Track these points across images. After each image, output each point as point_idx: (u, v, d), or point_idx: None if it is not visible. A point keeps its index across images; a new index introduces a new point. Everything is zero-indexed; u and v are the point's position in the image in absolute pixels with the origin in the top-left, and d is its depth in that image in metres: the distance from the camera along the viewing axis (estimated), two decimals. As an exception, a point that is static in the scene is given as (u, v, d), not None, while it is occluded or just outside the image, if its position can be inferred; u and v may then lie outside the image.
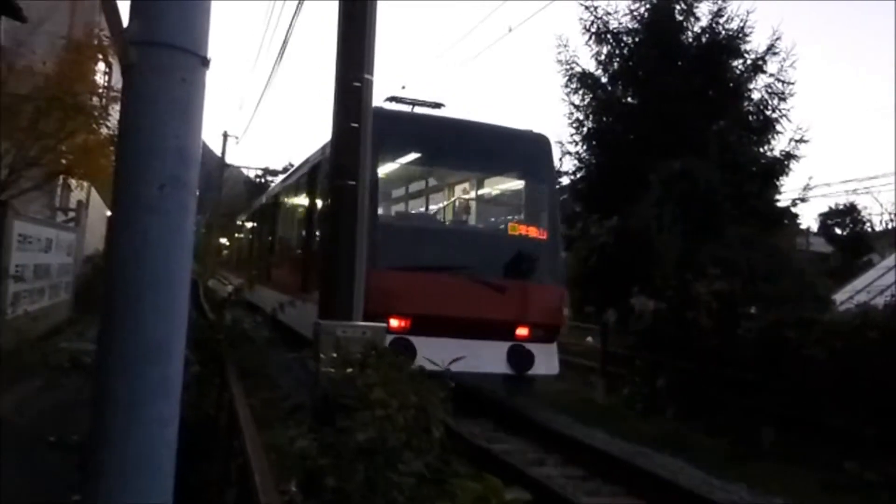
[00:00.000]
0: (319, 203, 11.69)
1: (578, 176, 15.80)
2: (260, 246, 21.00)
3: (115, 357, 1.29)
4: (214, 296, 18.56)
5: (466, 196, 11.76)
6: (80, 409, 7.92)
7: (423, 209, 12.10)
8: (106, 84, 15.04)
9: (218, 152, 40.41)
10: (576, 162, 15.52)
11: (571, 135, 15.26)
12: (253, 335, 6.31)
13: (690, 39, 14.69)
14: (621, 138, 14.35)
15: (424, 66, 68.74)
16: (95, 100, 13.56)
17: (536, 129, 11.03)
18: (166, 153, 1.32)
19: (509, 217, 11.26)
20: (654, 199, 12.72)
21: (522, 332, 9.87)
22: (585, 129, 15.16)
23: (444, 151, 10.53)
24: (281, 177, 26.08)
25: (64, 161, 13.47)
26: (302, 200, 14.13)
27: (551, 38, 21.89)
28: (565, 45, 15.32)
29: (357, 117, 6.17)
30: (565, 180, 17.34)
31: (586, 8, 15.00)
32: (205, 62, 1.40)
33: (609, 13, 15.03)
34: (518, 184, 11.63)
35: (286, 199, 16.87)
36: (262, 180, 57.33)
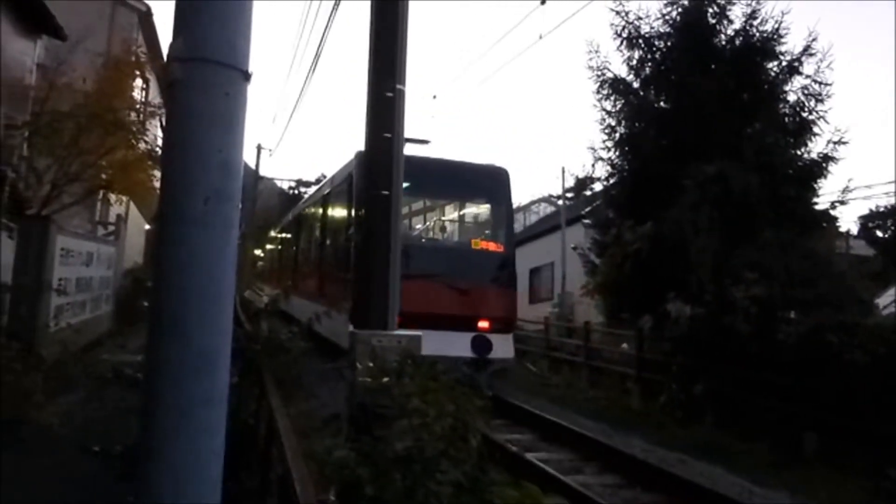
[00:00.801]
0: (347, 214, 13.67)
1: (611, 182, 15.69)
2: (293, 257, 22.19)
3: (163, 367, 1.33)
4: (251, 306, 18.78)
5: (441, 218, 14.61)
6: (122, 420, 8.07)
7: (407, 229, 13.87)
8: (143, 100, 15.32)
9: (252, 165, 40.86)
10: (608, 168, 15.43)
11: (604, 141, 15.18)
12: (289, 346, 6.35)
13: (724, 42, 14.51)
14: (654, 143, 14.20)
15: (455, 75, 68.92)
16: (133, 115, 13.79)
17: (498, 164, 13.67)
18: (211, 167, 1.36)
19: (474, 234, 13.90)
20: (689, 203, 12.57)
21: (483, 324, 12.02)
22: (618, 135, 15.04)
23: (424, 184, 12.63)
24: (313, 188, 26.81)
25: (104, 176, 13.74)
26: (333, 212, 15.68)
27: (583, 45, 21.80)
28: (596, 51, 15.27)
29: (390, 127, 6.21)
30: (598, 186, 17.27)
31: (617, 13, 14.92)
32: (247, 76, 1.43)
33: (640, 18, 14.93)
34: (482, 208, 14.32)
35: (317, 211, 18.03)
36: (296, 192, 57.94)
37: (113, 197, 17.52)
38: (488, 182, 13.35)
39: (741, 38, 14.36)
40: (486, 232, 13.83)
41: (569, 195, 29.16)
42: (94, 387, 10.43)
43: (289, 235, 24.02)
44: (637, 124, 14.82)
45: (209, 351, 1.35)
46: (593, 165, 15.69)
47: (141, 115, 14.31)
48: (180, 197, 1.37)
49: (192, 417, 1.32)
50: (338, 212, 14.71)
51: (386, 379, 5.23)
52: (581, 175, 24.58)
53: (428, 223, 14.64)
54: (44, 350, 10.69)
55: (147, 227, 26.57)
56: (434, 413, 4.55)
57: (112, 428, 8.25)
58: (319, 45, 20.29)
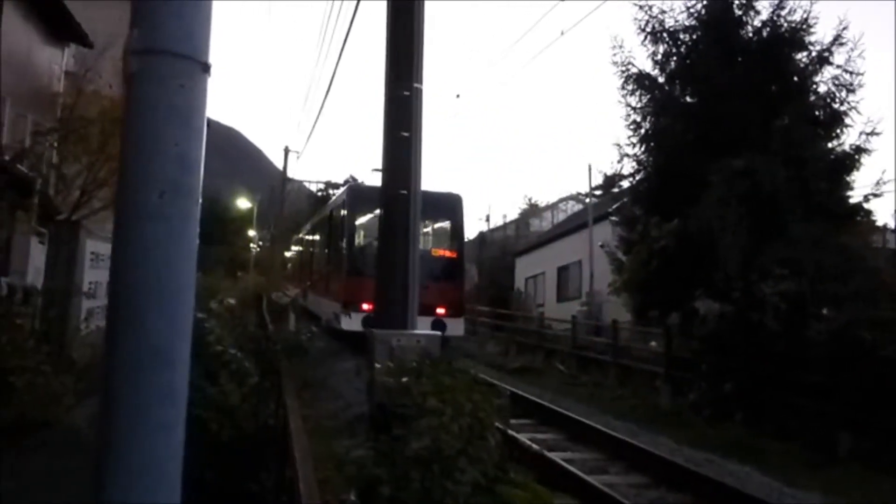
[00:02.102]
0: (340, 230, 18.12)
1: (637, 178, 15.51)
2: (310, 260, 25.97)
3: (120, 363, 1.32)
4: (276, 307, 18.92)
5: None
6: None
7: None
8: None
9: (279, 167, 41.26)
10: (634, 164, 15.24)
11: (629, 137, 14.99)
12: (307, 346, 6.36)
13: (751, 34, 14.25)
14: (680, 138, 13.98)
15: (478, 74, 68.81)
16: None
17: (454, 191, 18.48)
18: (166, 160, 1.34)
19: (434, 245, 17.74)
20: (716, 199, 12.38)
21: (441, 311, 15.87)
22: (643, 131, 14.86)
23: None
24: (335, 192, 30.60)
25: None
26: (332, 229, 19.93)
27: (606, 41, 21.62)
28: (620, 47, 15.08)
29: (407, 126, 6.20)
30: (625, 183, 17.09)
31: (640, 7, 14.73)
32: (205, 68, 1.41)
33: (664, 11, 14.72)
34: (442, 224, 18.10)
35: (323, 226, 22.29)
36: (324, 193, 58.23)
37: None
38: (446, 205, 17.66)
39: (768, 29, 14.10)
40: (444, 243, 17.94)
41: (597, 193, 28.99)
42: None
43: (308, 242, 27.54)
44: (662, 119, 14.62)
45: (166, 347, 1.33)
46: (620, 162, 15.53)
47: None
48: (135, 191, 1.35)
49: (149, 415, 1.31)
50: (335, 228, 19.14)
51: (405, 378, 5.21)
52: (609, 172, 24.46)
53: None
54: (74, 353, 10.85)
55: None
56: (451, 412, 4.52)
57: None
58: (342, 47, 20.38)
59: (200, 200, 1.44)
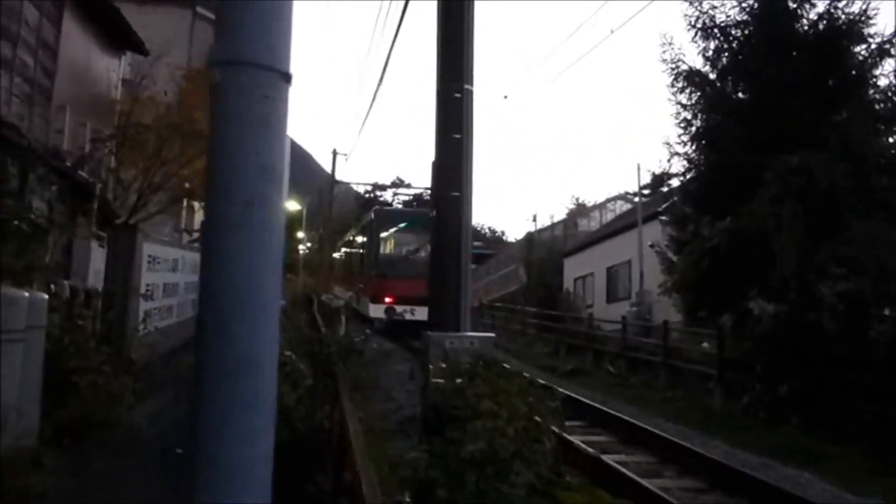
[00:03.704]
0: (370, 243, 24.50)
1: (688, 177, 15.28)
2: (352, 264, 30.36)
3: (210, 369, 1.35)
4: (327, 309, 19.12)
5: (422, 243, 22.06)
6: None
7: (400, 250, 23.97)
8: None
9: (328, 169, 41.71)
10: (685, 163, 15.01)
11: (679, 135, 14.77)
12: (361, 347, 6.41)
13: (806, 28, 13.92)
14: (732, 136, 13.72)
15: (525, 74, 68.50)
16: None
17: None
18: (250, 170, 1.37)
19: None
20: (770, 196, 12.11)
21: None
22: (694, 129, 14.63)
23: (411, 225, 23.46)
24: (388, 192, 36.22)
25: (186, 185, 14.22)
26: (365, 241, 25.80)
27: (654, 39, 21.30)
28: (670, 44, 14.89)
29: (459, 128, 6.20)
30: (674, 182, 16.86)
31: (691, 3, 14.51)
32: (287, 78, 1.44)
33: (715, 6, 14.47)
34: None
35: (359, 238, 28.04)
36: (372, 195, 58.66)
37: (197, 204, 18.14)
38: None
39: (825, 22, 13.74)
40: None
41: (645, 192, 28.71)
42: (181, 389, 10.85)
43: (350, 248, 32.43)
44: (714, 117, 14.38)
45: (253, 354, 1.36)
46: (669, 161, 15.32)
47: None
48: (221, 201, 1.38)
49: (239, 420, 1.34)
50: (366, 240, 25.11)
51: (458, 380, 5.22)
52: (657, 171, 24.16)
53: (413, 248, 23.56)
54: (133, 353, 11.12)
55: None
56: (506, 415, 4.51)
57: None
58: (391, 48, 20.52)
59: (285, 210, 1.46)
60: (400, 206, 55.82)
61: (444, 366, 5.53)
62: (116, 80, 12.35)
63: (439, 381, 5.42)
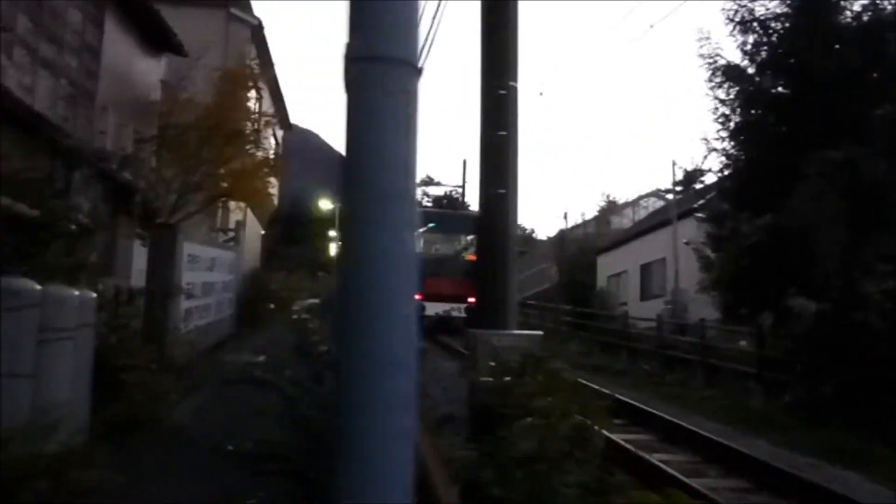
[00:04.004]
0: None
1: (725, 173, 15.10)
2: None
3: (352, 369, 1.35)
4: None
5: (449, 242, 26.09)
6: (249, 419, 8.40)
7: (429, 249, 25.19)
8: (258, 111, 15.91)
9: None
10: (723, 159, 14.82)
11: (718, 130, 14.59)
12: (420, 346, 6.39)
13: (849, 19, 13.66)
14: (772, 131, 13.53)
15: (555, 72, 68.12)
16: (250, 126, 14.35)
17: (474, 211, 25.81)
18: (385, 166, 1.37)
19: (463, 251, 25.38)
20: (812, 193, 11.92)
21: (471, 299, 18.09)
22: (732, 124, 14.44)
23: (438, 225, 25.18)
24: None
25: (224, 185, 14.37)
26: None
27: (688, 35, 21.06)
28: (707, 38, 14.72)
29: (504, 125, 6.19)
30: (708, 179, 16.69)
31: (728, -4, 14.32)
32: (419, 72, 1.44)
33: (754, -1, 14.29)
34: (473, 236, 22.23)
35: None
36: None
37: (232, 204, 18.32)
38: (475, 222, 23.99)
39: (870, 13, 13.47)
40: (473, 248, 22.54)
41: (678, 189, 28.41)
42: (223, 388, 10.97)
43: None
44: (753, 112, 14.18)
45: (394, 353, 1.36)
46: (705, 157, 15.17)
47: (256, 125, 14.86)
48: (358, 197, 1.38)
49: (383, 420, 1.34)
50: None
51: (507, 378, 5.21)
52: (690, 168, 23.96)
53: (440, 245, 26.05)
54: (175, 351, 11.27)
55: (262, 231, 27.63)
56: (559, 413, 4.50)
57: (239, 427, 8.65)
58: (424, 46, 20.60)
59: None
60: (429, 204, 56.35)
61: (492, 364, 5.52)
62: (156, 82, 12.51)
63: (487, 379, 5.41)
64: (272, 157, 17.27)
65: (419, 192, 44.28)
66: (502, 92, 6.23)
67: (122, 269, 10.72)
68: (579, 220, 38.79)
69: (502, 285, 5.98)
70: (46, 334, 6.77)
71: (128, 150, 10.95)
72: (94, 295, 7.91)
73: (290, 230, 37.99)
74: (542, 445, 4.52)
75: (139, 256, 11.42)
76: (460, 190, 52.30)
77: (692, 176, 26.08)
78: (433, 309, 21.43)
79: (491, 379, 5.41)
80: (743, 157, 14.29)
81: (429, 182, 60.70)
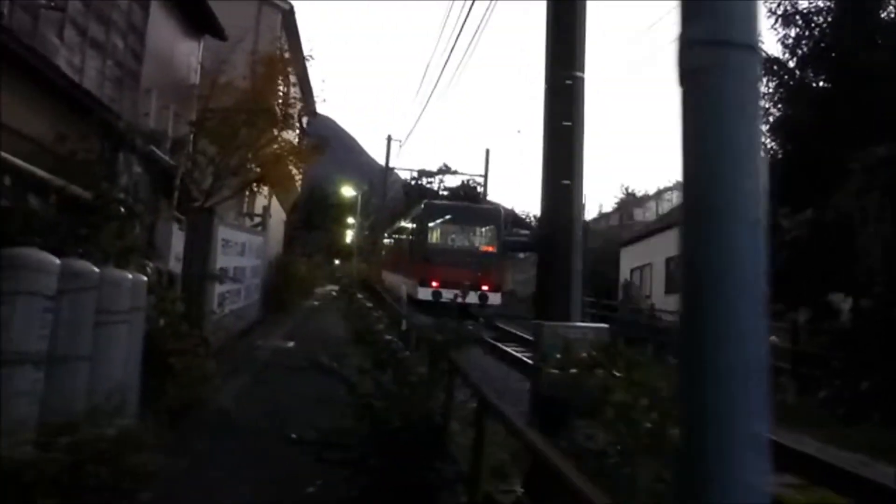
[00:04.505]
0: (419, 234, 27.15)
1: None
2: (398, 251, 33.15)
3: (705, 375, 1.28)
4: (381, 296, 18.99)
5: (465, 233, 26.53)
6: (293, 404, 8.40)
7: (447, 240, 26.46)
8: (293, 96, 15.82)
9: (381, 157, 41.84)
10: (761, 153, 14.68)
11: (759, 123, 14.43)
12: (478, 336, 6.35)
13: (893, 14, 13.50)
14: (813, 126, 13.38)
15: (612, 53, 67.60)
16: (283, 111, 14.29)
17: (495, 204, 34.44)
18: (725, 157, 1.30)
19: (482, 243, 26.26)
20: (856, 188, 11.79)
21: (484, 288, 23.95)
22: (772, 118, 14.30)
23: (457, 217, 26.63)
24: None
25: (257, 169, 14.34)
26: (413, 232, 28.53)
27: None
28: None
29: (569, 115, 6.10)
30: None
31: (772, -11, 14.16)
32: (759, 57, 1.36)
33: (799, -8, 14.13)
34: (487, 228, 26.43)
35: (408, 229, 30.64)
36: (418, 182, 58.62)
37: (258, 189, 18.26)
38: (491, 215, 27.39)
39: (914, 8, 13.30)
40: (489, 242, 26.09)
41: None
42: (262, 372, 10.97)
43: (400, 237, 34.81)
44: (794, 106, 14.02)
45: (747, 360, 1.29)
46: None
47: (292, 111, 14.80)
48: (702, 190, 1.31)
49: (737, 427, 1.27)
50: (416, 230, 27.32)
51: (579, 370, 5.15)
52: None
53: (458, 237, 26.50)
54: (211, 336, 11.27)
55: (284, 217, 27.62)
56: (643, 406, 4.43)
57: (284, 411, 8.66)
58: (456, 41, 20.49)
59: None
60: (446, 194, 56.28)
61: (559, 356, 5.46)
62: (196, 65, 12.47)
63: (554, 371, 5.36)
64: (304, 142, 17.21)
65: (436, 180, 43.75)
66: (569, 82, 6.14)
67: (161, 252, 10.70)
68: (596, 213, 38.70)
69: (567, 276, 5.91)
70: (103, 316, 6.78)
71: (169, 133, 10.92)
72: (145, 278, 7.92)
73: (309, 216, 38.02)
74: (622, 439, 4.47)
75: (178, 241, 11.41)
76: (478, 179, 52.20)
77: None
78: (449, 296, 21.81)
79: (557, 371, 5.36)
80: (782, 152, 14.13)
81: (445, 171, 60.54)
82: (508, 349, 15.90)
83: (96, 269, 6.64)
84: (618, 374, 4.73)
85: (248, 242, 15.92)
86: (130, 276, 7.36)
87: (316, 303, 27.03)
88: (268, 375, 11.32)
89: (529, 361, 14.86)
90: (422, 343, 7.51)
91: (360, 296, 14.02)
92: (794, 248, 12.76)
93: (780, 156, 14.25)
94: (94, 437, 5.92)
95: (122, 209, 7.96)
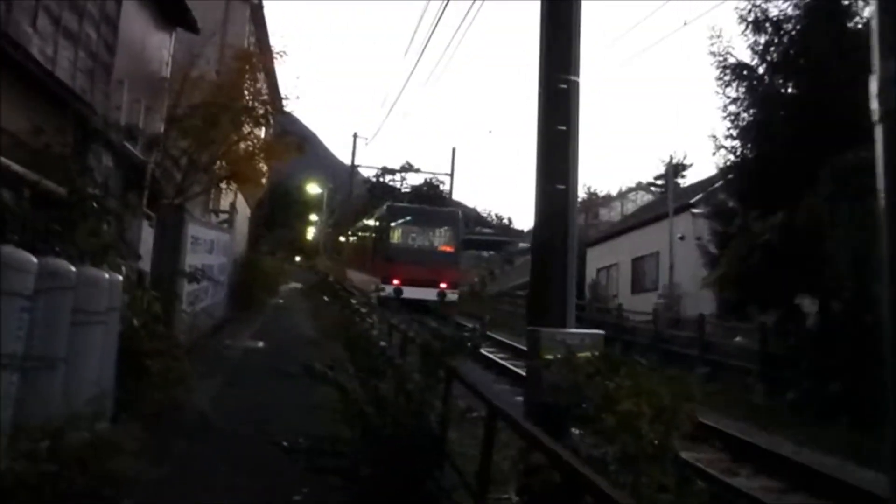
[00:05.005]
0: (381, 233, 29.64)
1: (733, 171, 15.13)
2: (361, 250, 34.60)
3: None
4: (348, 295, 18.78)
5: (425, 234, 28.55)
6: (267, 407, 8.23)
7: (407, 240, 28.27)
8: (265, 92, 15.54)
9: (341, 154, 41.52)
10: (731, 157, 14.86)
11: (728, 128, 14.61)
12: (478, 342, 6.26)
13: (860, 24, 13.72)
14: (784, 130, 13.55)
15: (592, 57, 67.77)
16: (258, 107, 14.03)
17: (453, 208, 34.99)
18: None
19: (440, 243, 28.22)
20: (826, 194, 11.99)
21: (443, 285, 25.95)
22: (742, 122, 14.46)
23: (417, 219, 28.81)
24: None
25: (228, 166, 14.06)
26: (376, 231, 30.83)
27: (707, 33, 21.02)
28: (719, 36, 14.72)
29: (565, 120, 6.06)
30: (690, 173, 16.72)
31: (744, -4, 14.30)
32: None
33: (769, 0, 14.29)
34: (446, 229, 28.62)
35: (372, 227, 32.75)
36: (380, 179, 58.39)
37: (225, 186, 17.93)
38: (448, 216, 29.92)
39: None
40: (446, 241, 28.24)
41: (659, 182, 28.28)
42: (233, 373, 10.73)
43: (363, 236, 36.58)
44: (763, 111, 14.21)
45: None
46: (714, 154, 15.19)
47: (265, 108, 14.54)
48: None
49: None
50: (379, 231, 29.75)
51: (580, 377, 5.11)
52: (674, 162, 23.98)
53: (418, 237, 28.41)
54: (182, 336, 11.01)
55: (248, 214, 27.23)
56: (649, 415, 4.41)
57: (261, 414, 8.50)
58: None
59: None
60: (408, 192, 56.84)
61: (550, 358, 5.40)
62: (168, 58, 12.14)
63: (554, 377, 5.31)
64: (286, 140, 16.93)
65: (397, 178, 43.90)
66: (563, 86, 6.09)
67: (133, 250, 10.41)
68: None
69: (562, 282, 5.86)
70: (79, 317, 6.55)
71: (151, 128, 10.64)
72: (121, 277, 7.68)
73: (272, 213, 37.57)
74: (631, 447, 4.45)
75: (148, 238, 11.11)
76: (440, 177, 52.17)
77: (676, 170, 25.91)
78: (410, 293, 24.16)
79: (556, 377, 5.31)
80: (753, 156, 14.32)
81: (408, 168, 60.47)
82: (488, 353, 15.96)
83: (73, 269, 6.41)
84: (617, 382, 4.69)
85: (216, 240, 15.61)
86: (107, 275, 7.13)
87: (281, 300, 26.67)
88: (242, 377, 11.12)
89: (509, 366, 15.03)
90: (408, 347, 7.43)
91: (353, 301, 13.69)
92: (765, 251, 12.93)
93: (749, 159, 14.41)
94: (73, 442, 5.72)
95: (96, 205, 7.71)
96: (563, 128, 6.07)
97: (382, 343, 6.01)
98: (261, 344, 14.84)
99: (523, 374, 11.47)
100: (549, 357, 5.35)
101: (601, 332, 5.79)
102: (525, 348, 10.76)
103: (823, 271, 11.97)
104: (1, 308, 5.39)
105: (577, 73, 6.19)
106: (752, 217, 13.48)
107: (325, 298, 18.85)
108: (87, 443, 5.85)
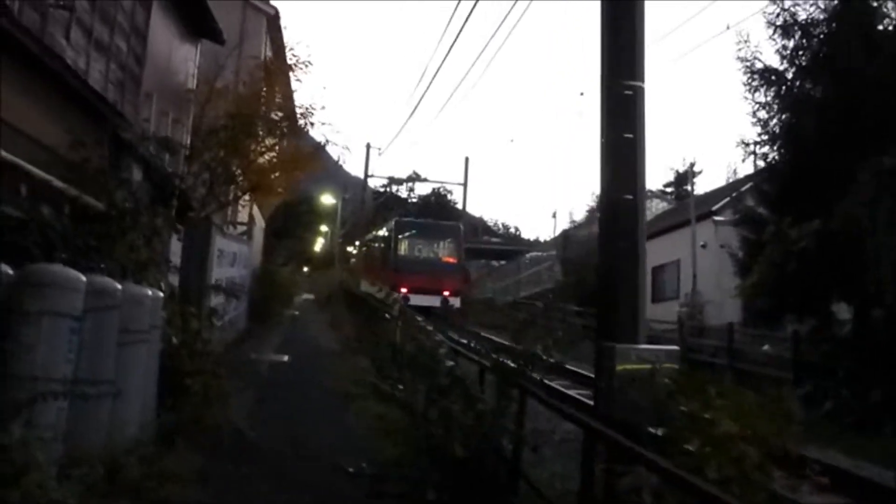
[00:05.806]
0: (389, 247, 31.41)
1: (763, 177, 14.91)
2: (372, 260, 36.14)
3: None
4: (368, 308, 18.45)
5: (429, 246, 30.32)
6: (307, 427, 7.97)
7: (413, 252, 30.06)
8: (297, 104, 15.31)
9: (353, 167, 41.53)
10: (760, 163, 14.65)
11: (759, 134, 14.41)
12: (558, 360, 5.99)
13: (891, 27, 13.53)
14: (815, 135, 13.32)
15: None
16: (281, 118, 13.83)
17: (454, 222, 35.88)
18: None
19: (444, 254, 30.16)
20: (866, 198, 11.74)
21: (446, 293, 27.77)
22: (772, 128, 14.25)
23: (422, 232, 31.20)
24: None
25: (252, 178, 13.86)
26: (386, 244, 32.37)
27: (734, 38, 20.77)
28: (746, 42, 14.53)
29: (631, 128, 5.83)
30: (701, 182, 16.53)
31: (772, 0, 14.13)
32: None
33: (798, 3, 14.10)
34: (448, 241, 30.70)
35: (380, 239, 34.61)
36: (388, 189, 58.25)
37: (245, 197, 17.73)
38: (451, 230, 32.25)
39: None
40: (449, 252, 30.20)
41: (668, 190, 28.01)
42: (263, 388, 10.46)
43: (371, 245, 38.23)
44: (794, 115, 13.99)
45: None
46: (743, 160, 14.98)
47: (290, 119, 14.35)
48: None
49: None
50: (387, 242, 31.29)
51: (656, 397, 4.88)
52: (680, 169, 23.68)
53: (424, 248, 30.22)
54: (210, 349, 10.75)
55: (263, 225, 27.05)
56: (751, 438, 4.17)
57: (301, 434, 8.25)
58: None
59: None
60: (415, 200, 57.74)
61: (631, 375, 5.17)
62: (193, 70, 11.96)
63: (633, 395, 5.07)
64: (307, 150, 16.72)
65: (404, 188, 44.40)
66: (628, 93, 5.87)
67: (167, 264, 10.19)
68: (567, 220, 39.03)
69: (633, 297, 5.62)
70: (124, 337, 6.31)
71: (169, 137, 10.43)
72: (162, 294, 7.47)
73: (283, 223, 37.41)
74: (725, 473, 4.20)
75: (177, 251, 10.90)
76: (448, 187, 52.04)
77: (683, 178, 25.70)
78: (416, 300, 24.84)
79: (634, 395, 5.07)
80: (785, 162, 14.09)
81: (415, 178, 60.32)
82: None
83: (119, 286, 6.19)
84: (703, 401, 4.44)
85: (238, 252, 15.41)
86: (150, 291, 6.91)
87: (296, 312, 26.45)
88: (274, 393, 10.89)
89: (562, 390, 14.32)
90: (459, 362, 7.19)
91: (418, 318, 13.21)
92: (802, 259, 12.67)
93: (781, 165, 14.18)
94: (128, 471, 5.50)
95: (133, 220, 7.51)
96: (630, 135, 5.84)
97: (450, 363, 5.76)
98: (286, 358, 14.60)
99: (569, 393, 11.12)
100: (628, 372, 5.11)
101: (676, 347, 5.53)
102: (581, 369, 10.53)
103: (862, 277, 11.71)
104: (43, 330, 5.17)
105: (642, 79, 5.96)
106: (787, 224, 13.22)
107: (350, 310, 18.57)
108: (143, 472, 5.63)
